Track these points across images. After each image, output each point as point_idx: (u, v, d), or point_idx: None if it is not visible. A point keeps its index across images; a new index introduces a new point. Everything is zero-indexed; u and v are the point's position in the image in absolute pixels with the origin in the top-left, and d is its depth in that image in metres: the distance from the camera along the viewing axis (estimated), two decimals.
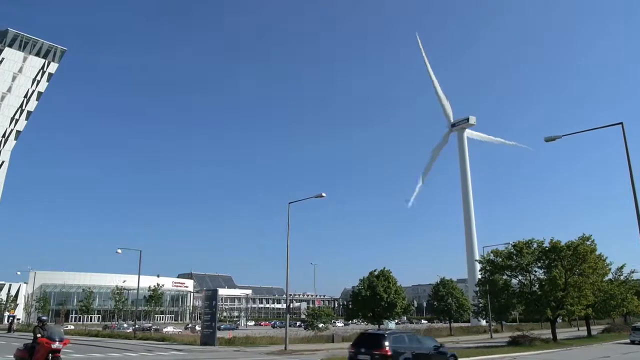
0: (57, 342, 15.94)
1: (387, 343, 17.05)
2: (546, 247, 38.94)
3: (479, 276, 50.71)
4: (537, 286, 39.47)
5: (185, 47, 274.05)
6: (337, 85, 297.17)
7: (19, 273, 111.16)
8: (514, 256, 39.56)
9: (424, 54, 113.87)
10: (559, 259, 37.94)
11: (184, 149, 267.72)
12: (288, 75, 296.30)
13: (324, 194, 33.64)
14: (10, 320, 71.98)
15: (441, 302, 63.25)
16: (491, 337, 51.99)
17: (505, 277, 41.44)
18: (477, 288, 50.55)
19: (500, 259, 40.36)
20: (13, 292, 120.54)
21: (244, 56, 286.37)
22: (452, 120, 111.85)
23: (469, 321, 78.34)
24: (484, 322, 71.57)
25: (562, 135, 23.58)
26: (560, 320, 53.79)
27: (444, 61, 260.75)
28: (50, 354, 15.74)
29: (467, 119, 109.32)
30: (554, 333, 40.51)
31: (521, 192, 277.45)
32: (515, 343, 35.70)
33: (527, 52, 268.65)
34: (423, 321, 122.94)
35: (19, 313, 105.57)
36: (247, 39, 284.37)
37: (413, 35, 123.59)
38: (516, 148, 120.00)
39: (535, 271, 40.08)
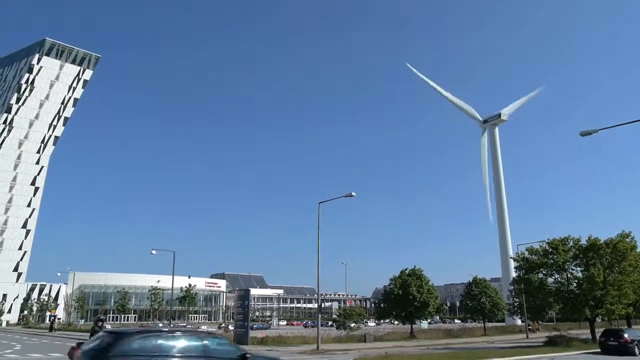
0: None
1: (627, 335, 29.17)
2: (583, 244, 37.87)
3: (514, 275, 49.63)
4: (574, 285, 38.41)
5: (214, 47, 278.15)
6: (369, 85, 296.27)
7: (59, 274, 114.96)
8: (550, 254, 38.62)
9: (424, 78, 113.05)
10: (597, 256, 36.83)
11: (215, 150, 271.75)
12: (318, 75, 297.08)
13: (353, 194, 33.54)
14: (51, 320, 74.47)
15: (474, 301, 62.18)
16: (527, 337, 50.91)
17: (540, 275, 40.45)
18: (512, 287, 49.52)
19: (536, 257, 39.46)
20: (53, 293, 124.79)
21: (274, 52, 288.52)
22: (481, 118, 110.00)
23: (503, 321, 76.81)
24: (519, 322, 70.06)
25: (599, 129, 22.81)
26: (600, 320, 52.13)
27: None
28: None
29: (499, 115, 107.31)
30: (593, 333, 39.30)
31: (559, 188, 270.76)
32: (552, 343, 34.85)
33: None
34: (456, 321, 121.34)
35: (60, 313, 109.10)
36: (278, 38, 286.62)
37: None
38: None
39: (573, 269, 39.03)
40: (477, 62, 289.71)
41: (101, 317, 16.93)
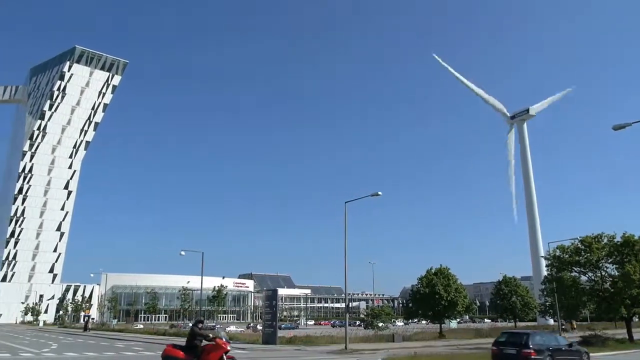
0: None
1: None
2: (618, 241, 36.78)
3: (545, 273, 48.53)
4: (609, 283, 37.35)
5: (241, 46, 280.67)
6: (400, 82, 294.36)
7: (92, 275, 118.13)
8: (582, 252, 37.63)
9: (451, 70, 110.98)
10: (632, 253, 35.72)
11: (241, 150, 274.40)
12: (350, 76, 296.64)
13: (380, 193, 33.33)
14: (85, 320, 76.25)
15: (504, 300, 61.18)
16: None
17: (573, 274, 39.45)
18: (543, 286, 48.46)
19: (567, 255, 38.51)
20: (87, 294, 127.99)
21: (304, 51, 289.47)
22: (509, 114, 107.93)
23: (535, 320, 75.31)
24: (551, 321, 68.58)
25: (632, 123, 22.09)
26: (638, 319, 50.63)
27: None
28: (224, 355, 15.37)
29: (527, 110, 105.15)
30: (629, 332, 38.14)
31: (590, 187, 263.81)
32: (586, 343, 33.91)
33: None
34: (486, 320, 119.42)
35: (93, 313, 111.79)
36: (303, 40, 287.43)
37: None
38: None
39: (607, 267, 37.93)
40: (507, 62, 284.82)
41: (201, 319, 17.04)
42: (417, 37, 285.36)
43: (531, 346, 19.88)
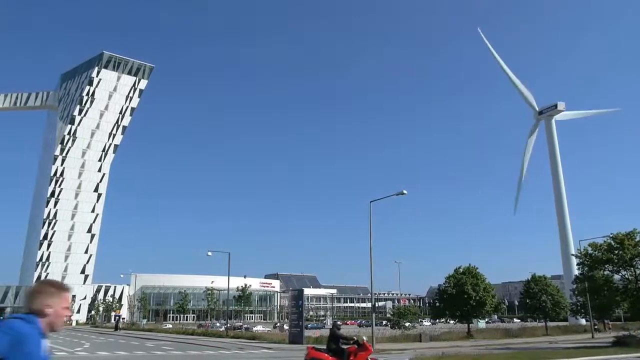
0: None
1: None
2: None
3: (576, 272, 47.44)
4: None
5: (267, 45, 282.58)
6: (423, 81, 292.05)
7: (122, 276, 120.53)
8: (615, 250, 36.60)
9: (491, 49, 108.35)
10: None
11: (270, 151, 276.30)
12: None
13: (405, 191, 33.10)
14: (116, 320, 77.90)
15: (534, 299, 59.91)
16: (593, 337, 48.52)
17: (606, 272, 38.43)
18: (574, 285, 47.37)
19: (599, 253, 37.51)
20: (117, 294, 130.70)
21: (341, 52, 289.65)
22: (537, 108, 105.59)
23: (566, 320, 73.59)
24: (583, 321, 66.91)
25: None
26: None
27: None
28: (369, 357, 15.34)
29: (555, 106, 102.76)
30: None
31: (623, 185, 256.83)
32: (620, 344, 32.99)
33: None
34: (515, 320, 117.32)
35: (124, 313, 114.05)
36: (339, 45, 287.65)
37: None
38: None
39: None
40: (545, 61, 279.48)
41: (338, 323, 17.26)
42: (461, 28, 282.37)
43: None
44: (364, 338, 15.97)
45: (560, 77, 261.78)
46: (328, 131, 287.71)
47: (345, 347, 15.32)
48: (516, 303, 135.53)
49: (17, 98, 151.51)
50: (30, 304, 2.94)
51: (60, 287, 3.06)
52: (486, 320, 68.25)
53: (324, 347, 15.79)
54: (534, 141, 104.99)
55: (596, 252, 37.95)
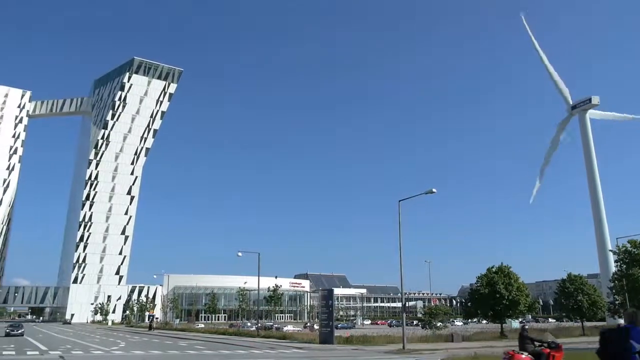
0: None
1: None
2: None
3: (614, 270, 45.96)
4: None
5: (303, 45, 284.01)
6: (451, 82, 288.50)
7: (155, 276, 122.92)
8: None
9: (532, 38, 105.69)
10: None
11: (295, 151, 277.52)
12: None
13: (434, 190, 32.64)
14: (150, 319, 79.45)
15: (569, 299, 58.29)
16: None
17: None
18: (612, 283, 45.89)
19: (638, 250, 36.31)
20: (151, 294, 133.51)
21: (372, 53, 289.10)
22: (571, 103, 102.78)
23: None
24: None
25: None
26: None
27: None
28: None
29: (590, 99, 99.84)
30: None
31: None
32: None
33: None
34: (550, 320, 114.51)
35: (157, 312, 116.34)
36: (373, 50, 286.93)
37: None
38: None
39: None
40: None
41: (525, 325, 17.51)
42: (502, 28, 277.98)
43: None
44: (555, 339, 15.74)
45: (596, 80, 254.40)
46: (360, 131, 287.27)
47: (539, 348, 15.28)
48: (551, 303, 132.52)
49: (52, 104, 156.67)
50: None
51: None
52: (520, 320, 66.74)
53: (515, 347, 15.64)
54: (562, 135, 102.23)
55: (635, 250, 36.76)
